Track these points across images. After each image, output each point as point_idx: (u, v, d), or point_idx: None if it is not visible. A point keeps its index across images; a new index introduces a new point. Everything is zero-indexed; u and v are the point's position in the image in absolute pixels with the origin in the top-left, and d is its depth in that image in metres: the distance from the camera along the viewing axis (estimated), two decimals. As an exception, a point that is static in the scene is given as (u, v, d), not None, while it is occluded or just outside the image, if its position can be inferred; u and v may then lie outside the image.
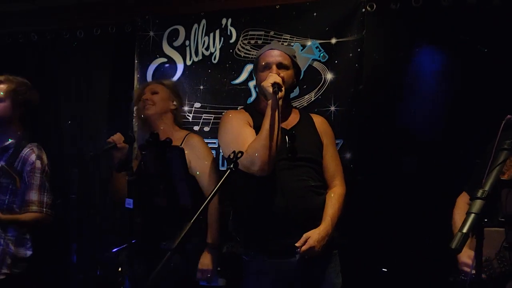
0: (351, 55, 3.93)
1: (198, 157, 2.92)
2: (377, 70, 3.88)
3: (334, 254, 2.70)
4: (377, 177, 3.69)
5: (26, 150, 3.02)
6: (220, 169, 3.79)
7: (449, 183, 3.10)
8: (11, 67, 5.04)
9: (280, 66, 2.69)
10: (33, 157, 3.01)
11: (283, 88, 2.52)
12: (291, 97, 2.98)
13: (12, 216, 2.94)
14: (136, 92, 3.32)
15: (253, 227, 2.63)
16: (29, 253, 3.04)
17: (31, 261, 3.06)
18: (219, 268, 3.61)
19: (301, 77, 3.03)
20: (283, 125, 2.69)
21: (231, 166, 2.13)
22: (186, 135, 3.00)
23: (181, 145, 2.91)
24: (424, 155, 3.61)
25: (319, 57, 4.06)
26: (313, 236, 2.49)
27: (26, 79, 3.21)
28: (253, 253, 2.62)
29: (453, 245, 1.66)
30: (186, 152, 2.73)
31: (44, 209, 3.00)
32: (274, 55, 2.71)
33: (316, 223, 2.56)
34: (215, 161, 3.12)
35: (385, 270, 3.40)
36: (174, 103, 3.13)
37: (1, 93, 3.04)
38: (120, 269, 2.99)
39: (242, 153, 2.18)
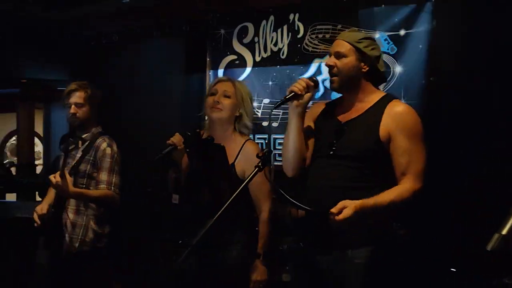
0: (421, 46, 3.80)
1: (251, 168, 2.88)
2: (449, 62, 3.71)
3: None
4: (446, 174, 3.54)
5: (99, 141, 3.38)
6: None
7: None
8: (95, 67, 5.39)
9: (336, 55, 2.59)
10: (104, 145, 3.35)
11: (304, 95, 2.47)
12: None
13: (81, 189, 3.26)
14: (209, 86, 3.31)
15: (293, 221, 2.61)
16: (107, 229, 3.35)
17: (110, 237, 3.37)
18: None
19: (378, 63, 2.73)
20: (341, 117, 2.61)
21: (259, 164, 2.13)
22: (245, 141, 2.98)
23: (239, 152, 2.89)
24: (496, 150, 3.42)
25: (387, 49, 3.95)
26: (350, 206, 2.25)
27: (86, 80, 3.51)
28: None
29: (489, 247, 1.56)
30: (241, 160, 2.75)
31: (112, 188, 3.28)
32: (334, 45, 2.65)
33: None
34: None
35: (454, 270, 3.26)
36: (240, 111, 3.09)
37: (81, 100, 3.38)
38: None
39: (271, 151, 2.18)
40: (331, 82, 2.56)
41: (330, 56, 2.62)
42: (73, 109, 3.37)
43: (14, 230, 4.51)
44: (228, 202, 1.99)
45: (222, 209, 1.98)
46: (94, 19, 5.42)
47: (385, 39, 3.97)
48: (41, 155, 7.29)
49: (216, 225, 1.99)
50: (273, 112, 4.41)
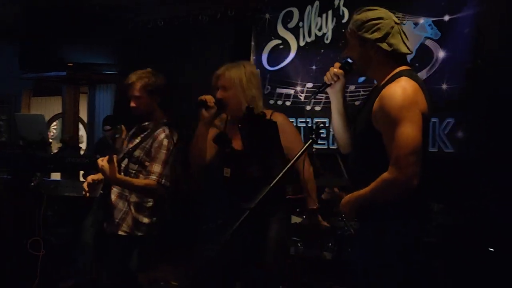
0: (467, 30, 3.82)
1: (287, 138, 2.86)
2: (497, 45, 3.73)
3: None
4: (492, 157, 3.56)
5: (158, 131, 3.27)
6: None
7: None
8: (145, 51, 5.52)
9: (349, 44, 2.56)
10: (162, 135, 3.24)
11: (335, 83, 2.40)
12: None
13: (126, 177, 3.20)
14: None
15: None
16: (146, 220, 3.25)
17: (153, 227, 3.29)
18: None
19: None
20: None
21: (313, 136, 2.21)
22: (271, 114, 2.97)
23: None
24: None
25: (431, 35, 4.00)
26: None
27: (150, 68, 3.34)
28: None
29: None
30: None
31: (162, 180, 3.19)
32: None
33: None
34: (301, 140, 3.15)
35: (492, 249, 3.28)
36: (248, 94, 2.93)
37: (137, 93, 3.25)
38: None
39: (324, 124, 2.25)
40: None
41: None
42: (132, 103, 3.30)
43: (61, 207, 4.64)
44: (283, 172, 2.06)
45: (279, 176, 2.04)
46: (141, 5, 5.55)
47: (429, 24, 4.01)
48: (84, 139, 7.49)
49: (266, 198, 2.03)
50: (316, 96, 4.50)
